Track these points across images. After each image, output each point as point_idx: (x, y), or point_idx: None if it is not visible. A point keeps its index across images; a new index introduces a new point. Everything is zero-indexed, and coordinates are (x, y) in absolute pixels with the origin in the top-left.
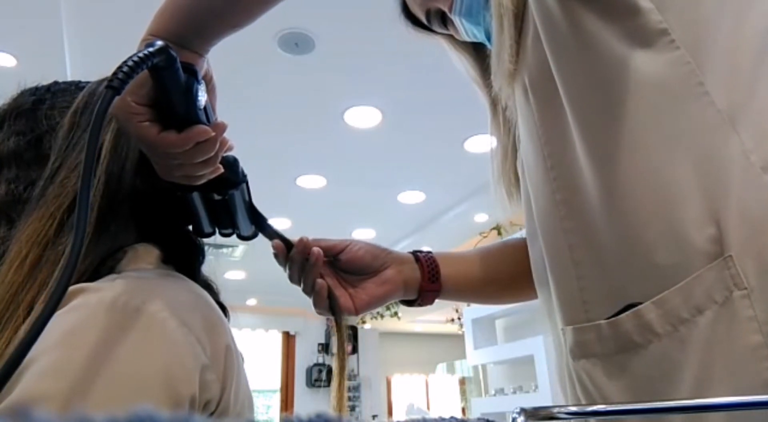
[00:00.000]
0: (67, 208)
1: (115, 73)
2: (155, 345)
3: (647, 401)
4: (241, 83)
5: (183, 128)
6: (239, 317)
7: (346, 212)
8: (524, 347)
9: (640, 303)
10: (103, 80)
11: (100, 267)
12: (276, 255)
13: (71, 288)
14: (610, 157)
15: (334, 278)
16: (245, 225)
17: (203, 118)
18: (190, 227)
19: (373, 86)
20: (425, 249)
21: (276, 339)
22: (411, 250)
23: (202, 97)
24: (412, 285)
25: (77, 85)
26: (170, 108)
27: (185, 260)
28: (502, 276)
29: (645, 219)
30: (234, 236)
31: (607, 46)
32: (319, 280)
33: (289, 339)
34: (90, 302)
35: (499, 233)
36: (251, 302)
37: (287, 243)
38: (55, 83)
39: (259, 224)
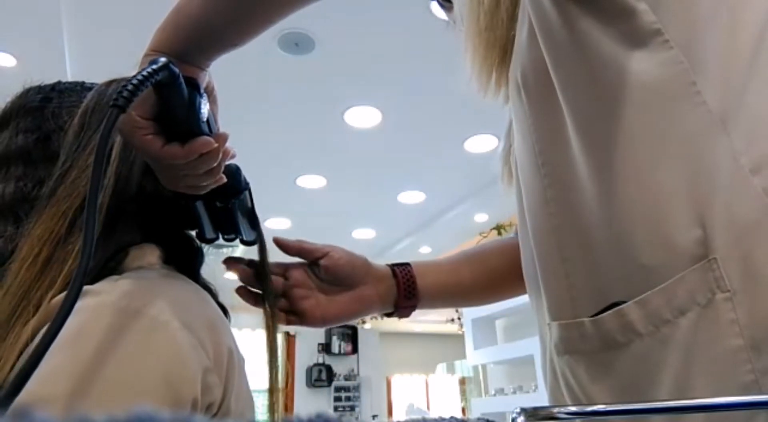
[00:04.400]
0: (79, 208)
1: (119, 92)
2: (157, 347)
3: (638, 401)
4: (241, 83)
5: (186, 140)
6: (239, 317)
7: (346, 212)
8: (524, 347)
9: (624, 302)
10: (112, 81)
11: (102, 269)
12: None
13: None
14: (603, 155)
15: (311, 281)
16: (248, 231)
17: (206, 129)
18: (194, 232)
19: (373, 86)
20: (424, 250)
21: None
22: (391, 263)
23: (205, 110)
24: (389, 301)
25: (83, 85)
26: (174, 121)
27: (187, 261)
28: (479, 281)
29: (633, 219)
30: (237, 240)
31: (603, 46)
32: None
33: (289, 339)
34: (91, 305)
35: (499, 233)
36: None
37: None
38: (59, 83)
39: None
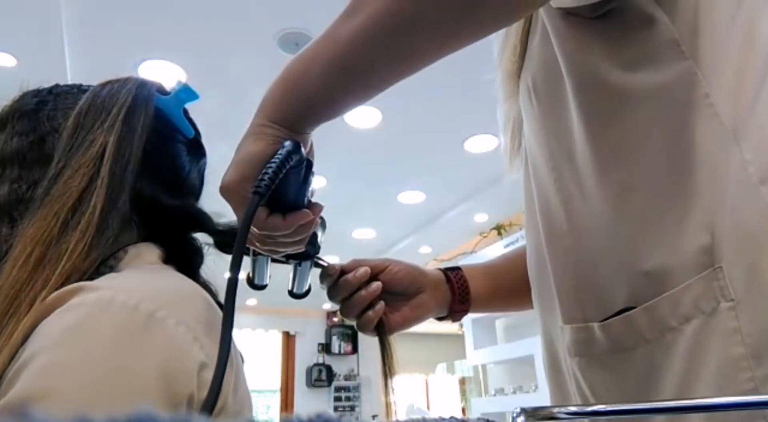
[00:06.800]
0: (71, 208)
1: (260, 179)
2: (153, 343)
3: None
4: (242, 83)
5: (287, 211)
6: (239, 317)
7: (346, 212)
8: (524, 347)
9: (633, 308)
10: (107, 83)
11: (101, 267)
12: (326, 275)
13: (70, 286)
14: (614, 162)
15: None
16: (301, 285)
17: (306, 202)
18: (245, 278)
19: None
20: (424, 250)
21: (276, 339)
22: (442, 267)
23: (312, 187)
24: (444, 306)
25: (79, 88)
26: (284, 198)
27: (186, 260)
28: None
29: (641, 227)
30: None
31: (619, 54)
32: (375, 310)
33: (289, 339)
34: (88, 301)
35: (499, 233)
36: (251, 302)
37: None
38: (56, 86)
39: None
